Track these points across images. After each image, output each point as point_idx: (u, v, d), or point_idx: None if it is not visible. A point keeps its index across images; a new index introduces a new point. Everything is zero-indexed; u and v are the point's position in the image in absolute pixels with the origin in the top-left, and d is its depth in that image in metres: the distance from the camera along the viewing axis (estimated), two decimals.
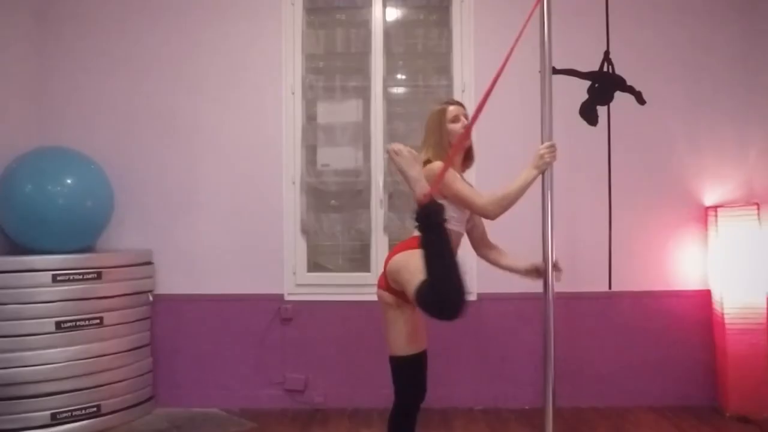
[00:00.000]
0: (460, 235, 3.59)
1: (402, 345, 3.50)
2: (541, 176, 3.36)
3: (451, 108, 3.65)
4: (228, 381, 5.71)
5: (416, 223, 3.18)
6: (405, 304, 3.44)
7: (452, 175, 3.46)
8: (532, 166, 3.36)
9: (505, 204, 3.38)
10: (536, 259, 3.47)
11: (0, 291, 4.77)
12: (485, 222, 3.80)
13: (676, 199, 5.71)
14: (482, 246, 3.82)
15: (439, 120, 3.64)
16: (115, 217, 5.60)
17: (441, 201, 3.33)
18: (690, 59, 5.72)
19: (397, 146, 3.27)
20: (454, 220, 3.48)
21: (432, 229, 3.13)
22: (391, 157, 3.30)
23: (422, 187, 3.20)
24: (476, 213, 3.55)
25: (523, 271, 3.55)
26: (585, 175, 5.44)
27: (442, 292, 2.98)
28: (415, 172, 3.24)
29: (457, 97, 5.76)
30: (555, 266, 3.38)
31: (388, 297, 3.51)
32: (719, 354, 5.50)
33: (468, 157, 3.76)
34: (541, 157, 3.34)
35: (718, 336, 5.49)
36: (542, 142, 3.37)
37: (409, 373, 3.56)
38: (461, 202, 3.49)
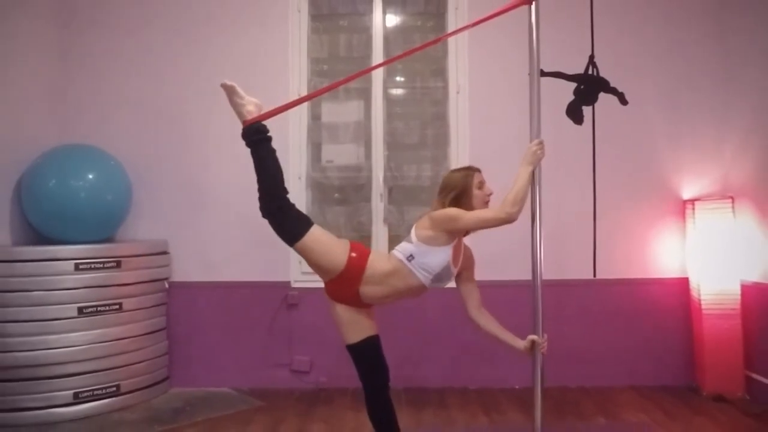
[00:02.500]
0: (422, 288, 3.54)
1: (349, 334, 3.60)
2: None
3: (477, 174, 3.60)
4: (238, 362, 5.72)
5: (244, 140, 3.60)
6: (335, 302, 3.63)
7: (461, 211, 3.42)
8: (527, 163, 3.34)
9: (520, 202, 3.32)
10: (527, 337, 3.43)
11: (26, 279, 4.78)
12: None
13: (656, 193, 5.72)
14: (473, 306, 3.73)
15: (465, 182, 3.56)
16: (133, 209, 5.60)
17: (435, 249, 3.44)
18: (669, 63, 5.72)
19: (223, 82, 3.64)
20: (422, 268, 3.48)
21: (255, 145, 3.57)
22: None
23: (240, 114, 3.63)
24: (498, 224, 3.39)
25: (522, 349, 3.51)
26: (571, 170, 5.44)
27: (268, 195, 3.56)
28: (233, 101, 3.65)
29: (451, 97, 5.80)
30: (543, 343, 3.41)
31: (327, 295, 3.68)
32: (696, 337, 5.50)
33: None
34: (534, 153, 3.34)
35: (696, 321, 5.50)
36: (531, 140, 3.36)
37: (365, 357, 3.61)
38: (480, 226, 3.46)
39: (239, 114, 3.65)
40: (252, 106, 3.64)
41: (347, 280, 3.53)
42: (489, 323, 3.69)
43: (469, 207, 3.51)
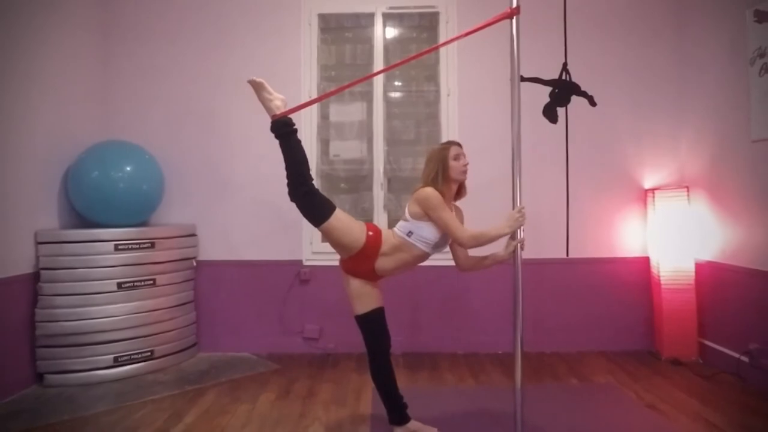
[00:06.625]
0: (425, 255, 3.56)
1: (359, 305, 3.57)
2: (512, 165, 3.32)
3: (454, 147, 3.56)
4: (257, 331, 5.71)
5: (273, 133, 3.54)
6: (351, 277, 3.60)
7: (441, 204, 3.42)
8: (507, 226, 3.33)
9: (479, 243, 3.40)
10: (508, 243, 3.42)
11: (71, 257, 4.78)
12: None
13: (621, 183, 5.70)
14: (464, 260, 3.72)
15: (442, 156, 3.54)
16: (165, 197, 5.59)
17: (427, 222, 3.45)
18: (632, 69, 5.69)
19: (251, 79, 3.55)
20: (423, 242, 3.49)
21: (283, 137, 3.52)
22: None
23: (269, 108, 3.56)
24: (455, 239, 3.49)
25: (504, 254, 3.50)
26: (547, 163, 5.40)
27: (295, 181, 3.48)
28: (262, 96, 3.56)
29: (443, 99, 5.75)
30: (521, 242, 3.37)
31: (342, 269, 3.68)
32: (656, 309, 5.50)
33: (460, 191, 3.66)
34: (516, 219, 3.31)
35: (655, 294, 5.49)
36: (513, 137, 3.31)
37: (372, 326, 3.59)
38: (443, 228, 3.45)
39: (268, 108, 3.57)
40: (279, 101, 3.58)
41: (366, 256, 3.52)
42: (477, 262, 3.70)
43: (448, 178, 3.52)
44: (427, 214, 3.43)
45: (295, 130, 3.55)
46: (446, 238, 3.56)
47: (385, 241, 3.53)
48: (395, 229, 3.58)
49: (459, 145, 3.61)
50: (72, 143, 5.24)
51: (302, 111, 5.23)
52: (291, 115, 3.56)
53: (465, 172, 3.56)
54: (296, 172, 3.50)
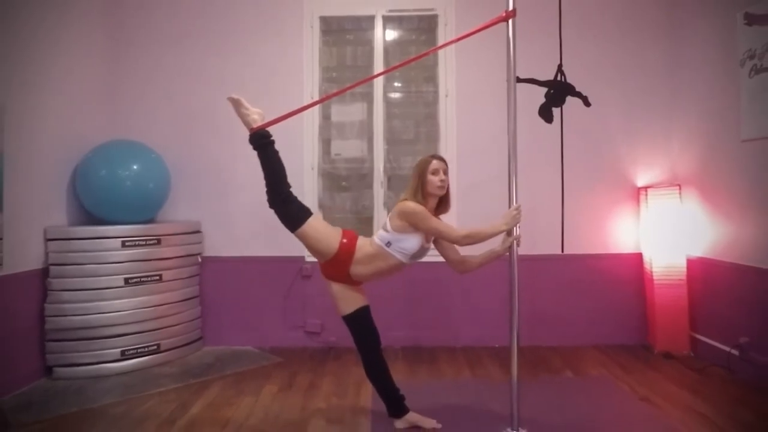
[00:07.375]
0: (401, 266, 3.58)
1: (343, 307, 3.65)
2: (508, 164, 3.35)
3: (434, 162, 3.55)
4: (260, 325, 5.72)
5: (251, 145, 3.69)
6: (330, 281, 3.67)
7: (427, 214, 3.45)
8: (504, 223, 3.39)
9: (474, 240, 3.45)
10: (504, 239, 3.48)
11: (80, 253, 4.80)
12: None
13: (614, 181, 5.71)
14: (459, 262, 3.74)
15: (422, 169, 3.55)
16: (171, 195, 5.59)
17: (408, 235, 3.48)
18: (626, 70, 5.70)
19: (229, 96, 3.72)
20: (402, 252, 3.51)
21: (261, 148, 3.66)
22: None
23: (247, 123, 3.71)
24: (450, 241, 3.56)
25: (501, 250, 3.54)
26: (543, 162, 5.39)
27: (273, 189, 3.62)
28: (240, 112, 3.72)
29: (441, 100, 5.77)
30: (517, 238, 3.42)
31: (323, 275, 3.73)
32: (649, 304, 5.51)
33: (443, 203, 3.66)
34: (514, 217, 3.37)
35: (648, 290, 5.51)
36: (509, 137, 3.35)
37: (358, 325, 3.65)
38: (437, 234, 3.51)
39: (246, 123, 3.71)
40: (256, 115, 3.71)
41: (339, 261, 3.57)
42: (472, 262, 3.72)
43: (425, 191, 3.53)
44: (415, 227, 3.46)
45: (273, 142, 3.67)
46: (424, 250, 3.59)
47: (359, 249, 3.57)
48: (374, 237, 3.61)
49: (441, 159, 3.61)
50: (80, 143, 5.25)
51: (304, 112, 5.25)
52: (276, 124, 3.67)
53: (441, 187, 3.55)
54: (274, 181, 3.63)
